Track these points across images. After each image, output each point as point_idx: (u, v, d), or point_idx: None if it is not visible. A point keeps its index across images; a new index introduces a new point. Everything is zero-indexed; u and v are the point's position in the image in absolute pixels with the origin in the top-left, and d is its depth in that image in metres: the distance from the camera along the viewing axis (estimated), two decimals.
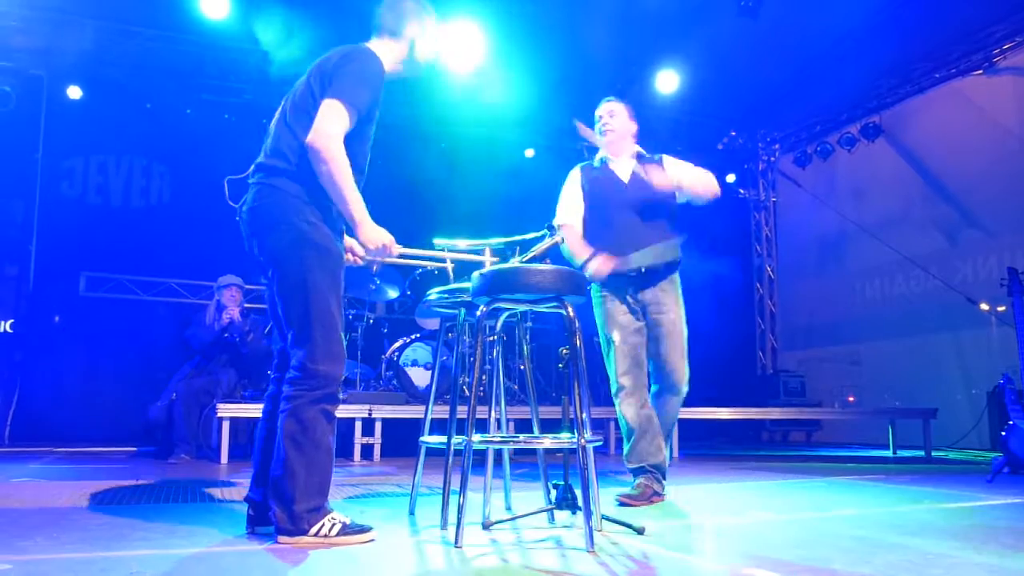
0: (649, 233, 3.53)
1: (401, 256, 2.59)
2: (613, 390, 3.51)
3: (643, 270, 3.48)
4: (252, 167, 2.51)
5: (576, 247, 3.52)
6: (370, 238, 2.40)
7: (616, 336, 3.49)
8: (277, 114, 2.57)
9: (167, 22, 6.75)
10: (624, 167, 3.70)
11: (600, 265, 3.42)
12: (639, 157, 3.73)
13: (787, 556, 2.22)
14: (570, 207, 3.69)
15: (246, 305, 5.89)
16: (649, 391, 3.58)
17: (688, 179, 3.63)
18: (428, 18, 2.72)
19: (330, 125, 2.32)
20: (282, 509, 2.30)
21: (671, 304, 3.54)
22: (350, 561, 2.14)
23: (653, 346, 3.54)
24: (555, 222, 3.54)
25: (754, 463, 5.65)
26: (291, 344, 2.40)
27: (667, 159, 3.75)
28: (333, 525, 2.32)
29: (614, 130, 3.72)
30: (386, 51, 2.61)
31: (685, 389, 3.55)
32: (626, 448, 3.49)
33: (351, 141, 2.43)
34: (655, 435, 3.47)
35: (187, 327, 5.94)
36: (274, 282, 2.43)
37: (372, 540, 2.37)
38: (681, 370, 3.51)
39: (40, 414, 6.50)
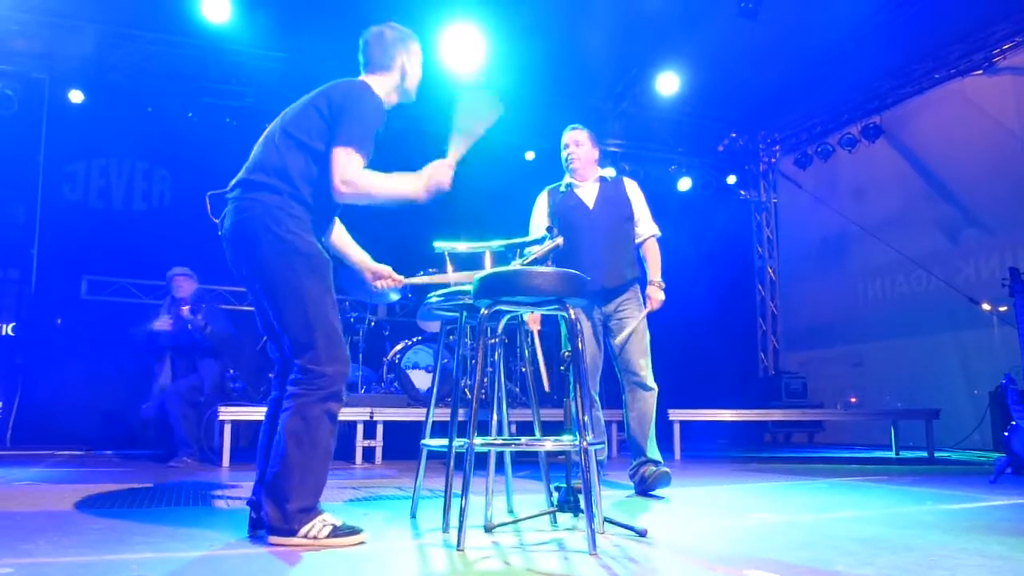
0: (614, 254, 3.88)
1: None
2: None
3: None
4: (232, 183, 2.53)
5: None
6: (437, 180, 2.57)
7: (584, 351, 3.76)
8: (265, 134, 2.59)
9: (168, 26, 6.76)
10: (589, 192, 3.99)
11: None
12: (602, 180, 4.02)
13: (790, 558, 2.21)
14: (534, 227, 4.02)
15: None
16: (622, 393, 3.90)
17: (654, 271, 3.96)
18: (413, 43, 2.77)
19: (346, 171, 2.40)
20: (275, 507, 2.31)
21: (633, 309, 3.87)
22: (352, 565, 2.14)
23: (618, 348, 3.85)
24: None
25: (756, 465, 5.64)
26: (291, 353, 2.40)
27: (627, 181, 4.08)
28: (323, 527, 2.32)
29: (579, 158, 3.99)
30: (379, 84, 2.67)
31: (652, 385, 3.83)
32: None
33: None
34: (601, 433, 3.85)
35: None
36: (263, 294, 2.43)
37: (363, 542, 2.37)
38: (645, 367, 3.81)
39: (42, 417, 6.51)
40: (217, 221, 2.54)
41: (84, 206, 7.17)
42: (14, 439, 6.32)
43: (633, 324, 3.81)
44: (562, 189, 4.03)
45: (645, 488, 3.69)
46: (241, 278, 2.51)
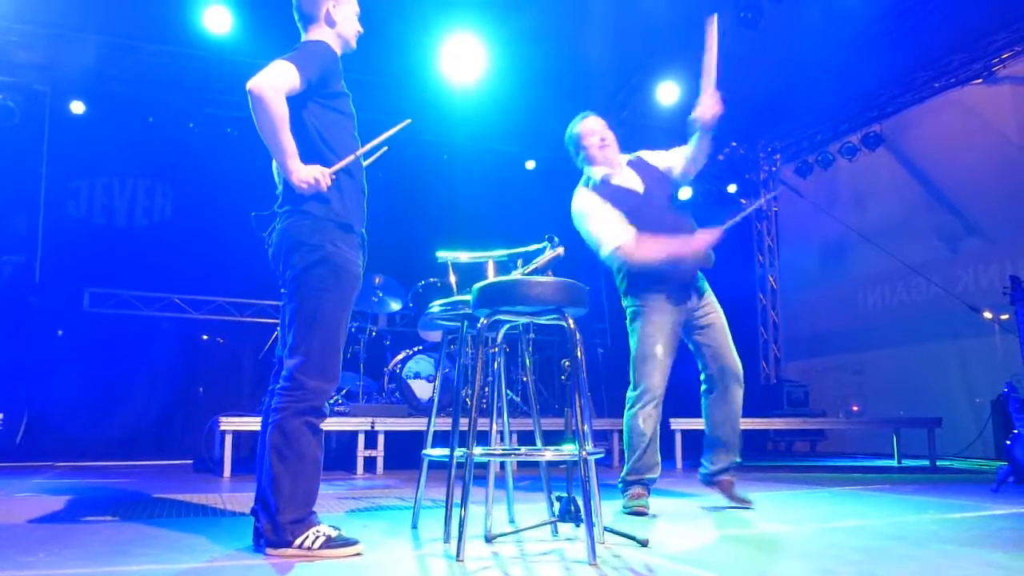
0: (685, 228, 3.54)
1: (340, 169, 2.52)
2: (643, 399, 3.47)
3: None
4: (279, 200, 2.56)
5: (653, 249, 3.37)
6: (301, 178, 2.37)
7: (659, 350, 3.50)
8: None
9: (170, 36, 6.78)
10: (628, 178, 3.63)
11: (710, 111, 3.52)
12: (630, 164, 3.71)
13: (792, 568, 2.21)
14: (615, 223, 3.46)
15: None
16: (706, 392, 3.75)
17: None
18: None
19: (271, 75, 2.30)
20: (268, 519, 2.34)
21: (714, 300, 3.69)
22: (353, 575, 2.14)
23: (708, 346, 3.66)
24: (608, 251, 3.39)
25: (758, 474, 5.63)
26: (287, 352, 2.43)
27: (645, 153, 3.77)
28: (317, 538, 2.33)
29: (611, 144, 3.65)
30: (320, 38, 2.62)
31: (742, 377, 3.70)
32: (634, 459, 3.46)
33: (333, 127, 2.50)
34: (657, 447, 3.53)
35: None
36: (289, 295, 2.47)
37: (359, 554, 2.36)
38: (737, 358, 3.69)
39: (43, 429, 6.50)
40: (264, 235, 2.60)
41: (87, 221, 7.17)
42: (15, 450, 6.30)
43: (719, 316, 3.65)
44: (599, 184, 3.60)
45: (736, 496, 3.62)
46: (281, 280, 2.54)
